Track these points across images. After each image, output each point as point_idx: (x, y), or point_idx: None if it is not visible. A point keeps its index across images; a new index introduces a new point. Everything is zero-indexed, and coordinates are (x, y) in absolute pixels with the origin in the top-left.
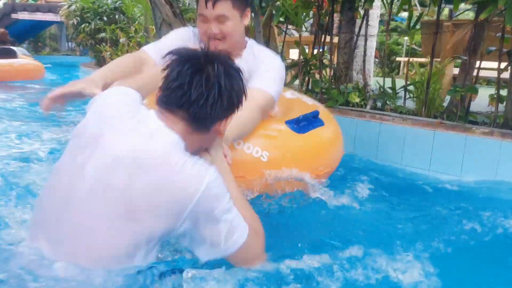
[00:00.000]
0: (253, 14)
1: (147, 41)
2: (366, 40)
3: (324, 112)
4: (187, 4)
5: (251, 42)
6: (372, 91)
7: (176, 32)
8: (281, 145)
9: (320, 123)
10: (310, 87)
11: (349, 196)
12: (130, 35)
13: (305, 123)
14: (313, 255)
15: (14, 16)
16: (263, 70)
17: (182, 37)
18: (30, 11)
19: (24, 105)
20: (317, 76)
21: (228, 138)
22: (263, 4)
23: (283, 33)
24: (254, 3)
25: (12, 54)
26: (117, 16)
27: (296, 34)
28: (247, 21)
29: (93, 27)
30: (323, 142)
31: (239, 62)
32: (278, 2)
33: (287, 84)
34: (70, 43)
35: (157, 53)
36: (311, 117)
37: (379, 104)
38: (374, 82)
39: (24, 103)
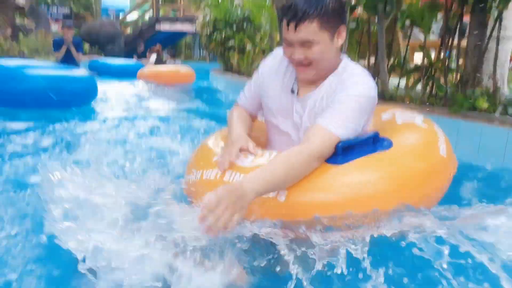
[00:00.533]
0: (376, 19)
1: (271, 48)
2: (498, 43)
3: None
4: None
5: (344, 63)
6: (506, 97)
7: (258, 70)
8: (303, 181)
9: (383, 146)
10: (434, 92)
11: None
12: (256, 42)
13: (350, 150)
14: None
15: (157, 27)
16: (338, 101)
17: (264, 74)
18: (171, 22)
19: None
20: (442, 80)
21: (253, 189)
22: (388, 9)
23: (408, 37)
24: (378, 8)
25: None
26: (245, 25)
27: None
28: (341, 41)
29: (223, 36)
30: (372, 173)
31: (319, 90)
32: (403, 6)
33: (408, 89)
34: (201, 51)
35: (246, 103)
36: (366, 141)
37: (511, 111)
38: (510, 89)
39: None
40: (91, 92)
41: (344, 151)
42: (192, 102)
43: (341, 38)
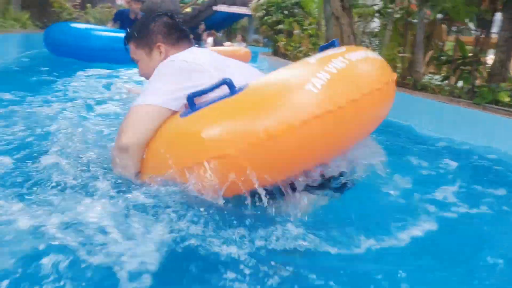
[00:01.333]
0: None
1: (317, 33)
2: None
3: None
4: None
5: None
6: None
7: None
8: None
9: (228, 94)
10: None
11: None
12: (304, 27)
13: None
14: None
15: (214, 8)
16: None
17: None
18: (228, 4)
19: None
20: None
21: None
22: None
23: (458, 31)
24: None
25: None
26: (296, 10)
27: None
28: (163, 54)
29: (274, 19)
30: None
31: None
32: None
33: (441, 81)
34: (256, 35)
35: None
36: (213, 88)
37: None
38: None
39: None
40: None
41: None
42: None
43: (162, 51)
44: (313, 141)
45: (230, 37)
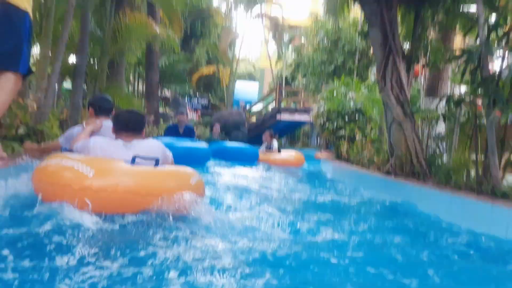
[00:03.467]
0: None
1: (379, 138)
2: None
3: None
4: (418, 105)
5: None
6: None
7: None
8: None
9: None
10: None
11: None
12: (366, 132)
13: None
14: None
15: (278, 117)
16: None
17: None
18: (290, 112)
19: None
20: None
21: None
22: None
23: None
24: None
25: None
26: (357, 116)
27: None
28: None
29: (335, 126)
30: None
31: None
32: None
33: None
34: (318, 139)
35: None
36: None
37: None
38: None
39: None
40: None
41: None
42: (298, 183)
43: None
44: None
45: (293, 142)
